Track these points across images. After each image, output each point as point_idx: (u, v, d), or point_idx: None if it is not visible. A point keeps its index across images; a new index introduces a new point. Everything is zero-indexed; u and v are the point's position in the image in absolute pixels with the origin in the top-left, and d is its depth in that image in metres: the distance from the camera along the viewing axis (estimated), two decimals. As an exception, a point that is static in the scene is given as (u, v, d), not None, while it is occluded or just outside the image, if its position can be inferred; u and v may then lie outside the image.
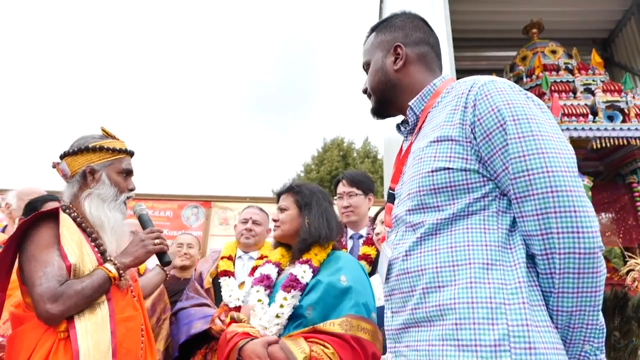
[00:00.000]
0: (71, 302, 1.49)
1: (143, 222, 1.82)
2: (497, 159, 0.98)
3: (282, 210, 1.96)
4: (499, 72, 5.37)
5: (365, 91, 1.35)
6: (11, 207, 3.02)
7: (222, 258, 2.87)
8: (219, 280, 2.78)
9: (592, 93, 4.51)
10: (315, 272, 1.76)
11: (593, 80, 4.61)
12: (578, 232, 0.90)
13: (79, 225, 1.70)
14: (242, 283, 2.76)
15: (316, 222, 1.85)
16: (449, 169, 1.01)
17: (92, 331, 1.50)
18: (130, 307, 1.69)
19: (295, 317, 1.69)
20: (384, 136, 13.81)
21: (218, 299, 2.75)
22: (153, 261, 2.30)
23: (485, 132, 0.99)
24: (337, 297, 1.67)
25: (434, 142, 1.06)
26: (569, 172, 0.94)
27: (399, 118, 1.39)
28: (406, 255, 1.05)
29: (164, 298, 2.75)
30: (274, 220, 1.99)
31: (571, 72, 4.79)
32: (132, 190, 1.83)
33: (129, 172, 1.83)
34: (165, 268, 2.20)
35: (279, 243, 2.06)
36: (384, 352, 1.63)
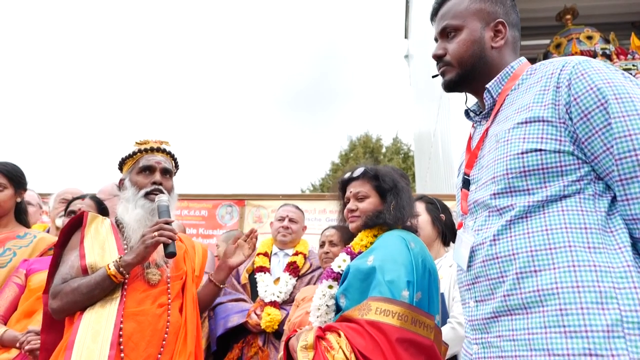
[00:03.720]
0: (68, 299, 1.63)
1: (158, 213, 1.78)
2: (596, 140, 0.94)
3: (360, 198, 1.78)
4: (532, 61, 5.22)
5: (441, 57, 1.23)
6: (50, 209, 3.14)
7: (258, 254, 2.91)
8: (255, 276, 2.81)
9: (633, 78, 4.35)
10: (354, 258, 1.67)
11: (633, 65, 4.44)
12: None
13: (118, 226, 1.85)
14: (278, 279, 2.79)
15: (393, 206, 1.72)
16: (541, 150, 0.97)
17: (95, 323, 1.57)
18: (150, 302, 1.70)
19: (339, 309, 1.62)
20: (414, 132, 13.73)
21: (254, 295, 2.79)
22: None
23: (583, 112, 0.95)
24: (362, 280, 1.54)
25: (522, 123, 1.02)
26: None
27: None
28: (494, 240, 1.01)
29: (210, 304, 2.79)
30: (351, 211, 1.78)
31: (609, 57, 4.62)
32: (155, 183, 1.84)
33: (148, 168, 1.87)
34: (213, 279, 2.02)
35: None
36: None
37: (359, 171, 1.83)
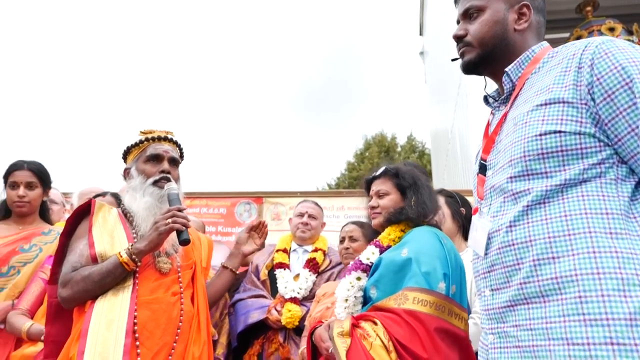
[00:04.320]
0: (79, 287, 1.59)
1: (169, 201, 1.75)
2: (620, 120, 0.91)
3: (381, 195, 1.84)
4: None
5: (461, 37, 1.21)
6: (73, 207, 3.20)
7: (277, 251, 2.92)
8: (275, 273, 2.82)
9: (657, 70, 4.23)
10: (384, 251, 1.70)
11: (657, 57, 4.33)
12: None
13: (125, 215, 1.82)
14: (297, 275, 2.80)
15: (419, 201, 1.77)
16: (560, 132, 0.95)
17: (108, 311, 1.54)
18: (163, 290, 1.67)
19: (367, 300, 1.65)
20: (430, 129, 13.63)
21: (274, 291, 2.79)
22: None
23: (606, 92, 0.93)
24: (396, 271, 1.57)
25: (541, 105, 0.99)
26: None
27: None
28: (510, 227, 0.99)
29: (225, 292, 2.81)
30: (372, 208, 1.85)
31: (632, 49, 4.52)
32: (163, 171, 1.81)
33: (155, 157, 1.83)
34: (227, 265, 2.06)
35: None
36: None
37: (380, 170, 1.90)
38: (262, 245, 2.18)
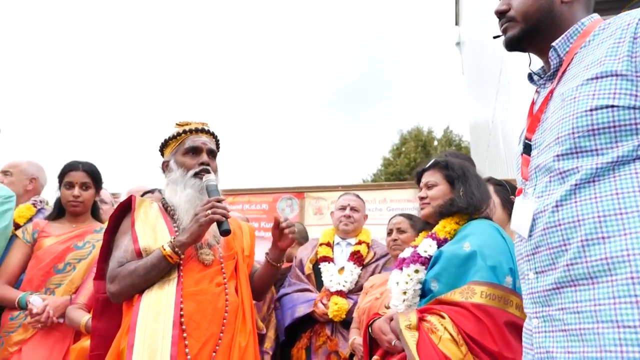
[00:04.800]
0: (126, 282, 1.62)
1: (207, 193, 1.74)
2: None
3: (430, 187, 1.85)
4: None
5: (504, 13, 1.17)
6: None
7: (320, 244, 2.92)
8: (319, 266, 2.83)
9: None
10: (441, 244, 1.71)
11: None
12: None
13: (166, 209, 1.84)
14: (342, 268, 2.79)
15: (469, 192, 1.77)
16: (613, 106, 0.90)
17: (155, 304, 1.56)
18: (207, 281, 1.68)
19: (426, 293, 1.66)
20: (469, 121, 13.35)
21: (319, 285, 2.80)
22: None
23: None
24: (460, 265, 1.58)
25: (592, 79, 0.95)
26: None
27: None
28: (557, 206, 0.95)
29: (272, 287, 2.84)
30: (421, 199, 1.87)
31: (687, 26, 4.27)
32: (202, 164, 1.81)
33: (194, 149, 1.83)
34: (269, 258, 1.90)
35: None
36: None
37: (430, 162, 1.93)
38: (294, 240, 1.92)
